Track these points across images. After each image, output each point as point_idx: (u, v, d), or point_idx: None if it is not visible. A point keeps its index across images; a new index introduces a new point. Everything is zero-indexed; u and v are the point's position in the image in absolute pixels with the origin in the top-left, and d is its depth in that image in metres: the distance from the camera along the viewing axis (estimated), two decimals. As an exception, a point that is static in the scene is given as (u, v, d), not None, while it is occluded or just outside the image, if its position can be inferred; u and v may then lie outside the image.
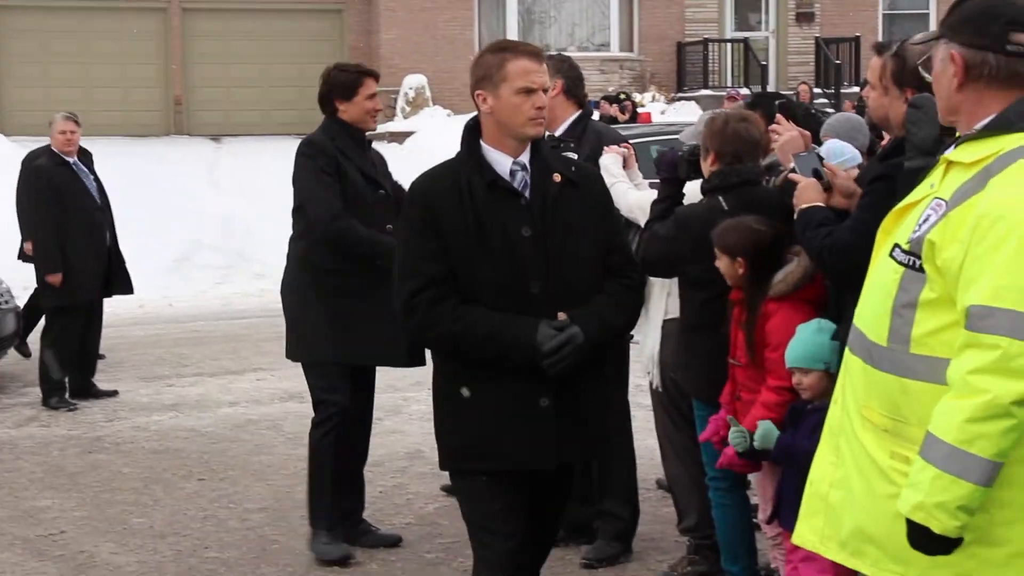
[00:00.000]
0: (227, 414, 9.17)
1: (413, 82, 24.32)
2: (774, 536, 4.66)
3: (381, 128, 23.59)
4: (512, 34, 23.65)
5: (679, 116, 20.48)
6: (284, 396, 9.54)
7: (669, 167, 5.12)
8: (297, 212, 5.96)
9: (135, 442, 8.39)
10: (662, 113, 22.99)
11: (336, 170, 5.76)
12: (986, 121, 2.88)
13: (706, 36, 26.07)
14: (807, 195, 4.21)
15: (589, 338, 3.81)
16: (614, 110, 20.32)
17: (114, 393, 9.72)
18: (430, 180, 3.97)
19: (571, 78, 5.89)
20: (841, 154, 4.67)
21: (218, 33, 24.72)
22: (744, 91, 21.63)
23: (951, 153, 2.93)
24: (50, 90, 23.17)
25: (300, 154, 5.91)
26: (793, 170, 4.37)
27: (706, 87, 25.25)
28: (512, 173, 3.93)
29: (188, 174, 19.55)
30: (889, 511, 2.86)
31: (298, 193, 5.92)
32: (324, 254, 5.77)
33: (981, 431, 2.69)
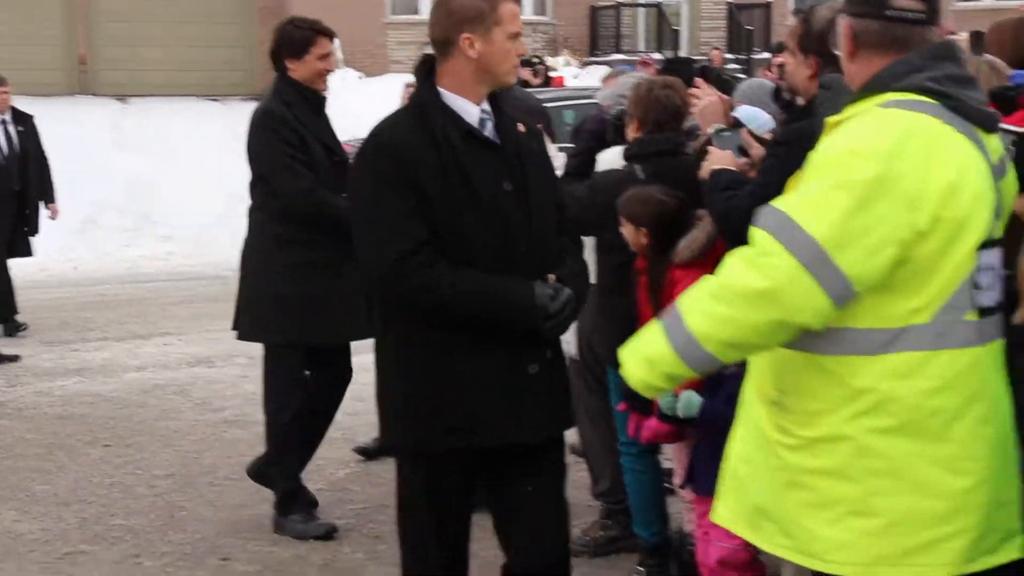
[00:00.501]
0: (133, 379, 9.08)
1: None
2: (688, 500, 4.66)
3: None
4: (425, 1, 23.50)
5: (592, 80, 20.44)
6: (192, 361, 9.49)
7: (596, 128, 5.11)
8: (257, 184, 5.70)
9: (38, 408, 8.26)
10: (575, 77, 22.94)
11: (300, 141, 5.50)
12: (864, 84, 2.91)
13: (619, 0, 26.05)
14: (718, 158, 4.20)
15: (580, 300, 3.67)
16: (527, 74, 20.22)
17: (16, 358, 9.58)
18: (397, 129, 3.62)
19: None
20: (754, 119, 4.65)
21: (124, -9, 24.26)
22: (657, 56, 21.65)
23: (834, 117, 2.96)
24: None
25: (260, 126, 5.61)
26: (708, 142, 4.35)
27: (619, 51, 25.23)
28: (481, 122, 3.64)
29: (93, 135, 19.17)
30: (777, 484, 2.88)
31: (261, 166, 5.64)
32: (295, 227, 5.52)
33: (701, 306, 2.79)
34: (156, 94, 22.45)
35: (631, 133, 4.94)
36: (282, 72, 5.63)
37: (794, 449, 2.83)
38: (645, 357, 2.90)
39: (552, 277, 3.61)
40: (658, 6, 26.20)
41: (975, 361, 2.76)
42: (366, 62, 22.63)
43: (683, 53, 23.79)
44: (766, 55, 21.58)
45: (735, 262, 2.76)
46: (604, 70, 22.40)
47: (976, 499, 2.77)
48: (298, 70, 5.60)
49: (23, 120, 10.34)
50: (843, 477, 2.78)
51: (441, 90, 3.61)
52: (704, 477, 3.81)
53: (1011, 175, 2.93)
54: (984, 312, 2.77)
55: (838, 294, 2.67)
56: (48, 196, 10.82)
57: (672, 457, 4.98)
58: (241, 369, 9.04)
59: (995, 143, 2.85)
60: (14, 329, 10.58)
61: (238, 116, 20.62)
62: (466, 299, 3.51)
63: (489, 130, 3.65)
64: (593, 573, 5.24)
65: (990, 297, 2.79)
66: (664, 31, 25.51)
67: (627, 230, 4.59)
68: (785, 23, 20.33)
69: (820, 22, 3.96)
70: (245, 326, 5.79)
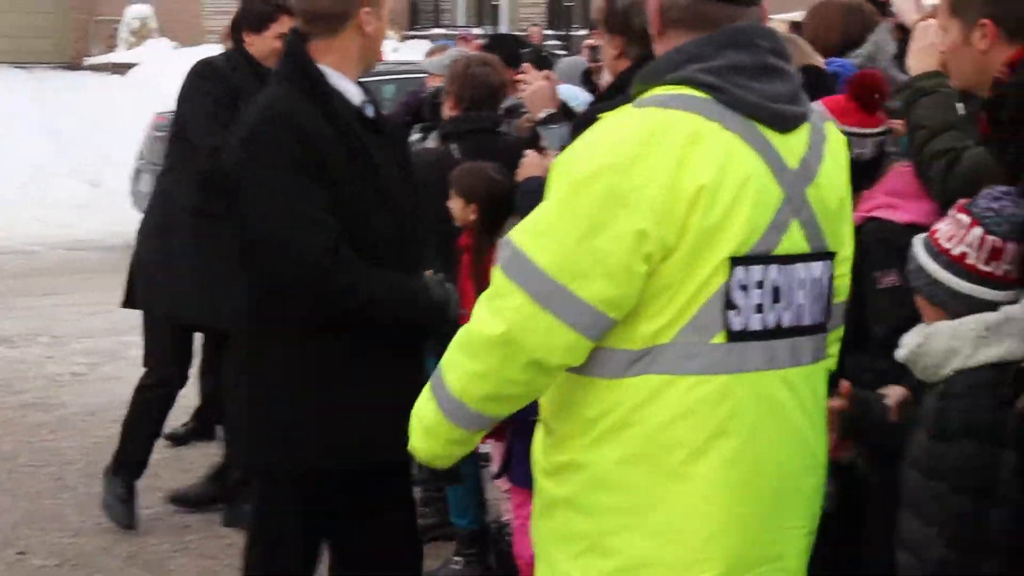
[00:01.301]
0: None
1: (137, 12, 23.47)
2: (505, 490, 4.62)
3: (102, 59, 22.72)
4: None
5: (412, 55, 20.39)
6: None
7: (411, 102, 5.06)
8: (175, 142, 5.46)
9: None
10: (394, 51, 22.84)
11: (232, 104, 5.07)
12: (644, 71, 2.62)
13: (439, -26, 26.07)
14: (528, 170, 4.15)
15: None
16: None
17: None
18: (293, 106, 3.26)
19: None
20: (574, 98, 4.65)
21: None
22: (476, 31, 21.69)
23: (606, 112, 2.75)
24: None
25: (195, 74, 5.36)
26: (534, 130, 4.33)
27: (438, 26, 25.23)
28: (364, 105, 3.39)
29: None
30: (536, 508, 2.68)
31: (182, 117, 5.37)
32: (198, 192, 5.19)
33: (454, 360, 2.52)
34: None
35: (447, 111, 4.89)
36: (238, 43, 5.42)
37: (548, 474, 2.60)
38: (424, 427, 2.64)
39: (430, 273, 3.45)
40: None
41: (723, 392, 2.41)
42: (181, 32, 22.14)
43: (503, 29, 23.93)
44: (585, 32, 21.81)
45: (478, 306, 2.48)
46: (424, 44, 22.40)
47: (721, 549, 2.46)
48: (255, 44, 5.35)
49: None
50: (579, 510, 2.53)
51: (324, 68, 3.31)
52: (520, 468, 3.75)
53: (835, 178, 2.59)
54: (739, 336, 2.41)
55: (586, 326, 2.39)
56: None
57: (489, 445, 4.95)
58: (44, 349, 8.79)
59: (793, 142, 2.49)
60: None
61: (47, 85, 20.20)
62: (379, 301, 3.25)
63: (371, 113, 3.41)
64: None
65: (757, 320, 2.43)
66: (484, 6, 25.62)
67: (456, 204, 4.51)
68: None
69: (623, 2, 3.91)
70: (139, 293, 5.59)
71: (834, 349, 2.75)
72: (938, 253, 2.93)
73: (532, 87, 4.55)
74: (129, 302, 5.71)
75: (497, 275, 2.45)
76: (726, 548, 2.45)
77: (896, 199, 3.62)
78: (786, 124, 2.48)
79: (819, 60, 4.47)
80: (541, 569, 2.65)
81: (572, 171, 2.42)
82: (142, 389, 5.70)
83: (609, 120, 2.46)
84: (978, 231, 2.90)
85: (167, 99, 8.65)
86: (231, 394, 3.47)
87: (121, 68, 21.27)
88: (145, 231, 5.60)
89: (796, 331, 2.50)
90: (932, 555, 2.83)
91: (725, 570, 2.46)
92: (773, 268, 2.44)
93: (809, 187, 2.49)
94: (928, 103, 3.53)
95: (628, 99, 2.57)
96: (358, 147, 3.23)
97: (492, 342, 2.41)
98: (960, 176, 3.34)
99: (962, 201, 2.97)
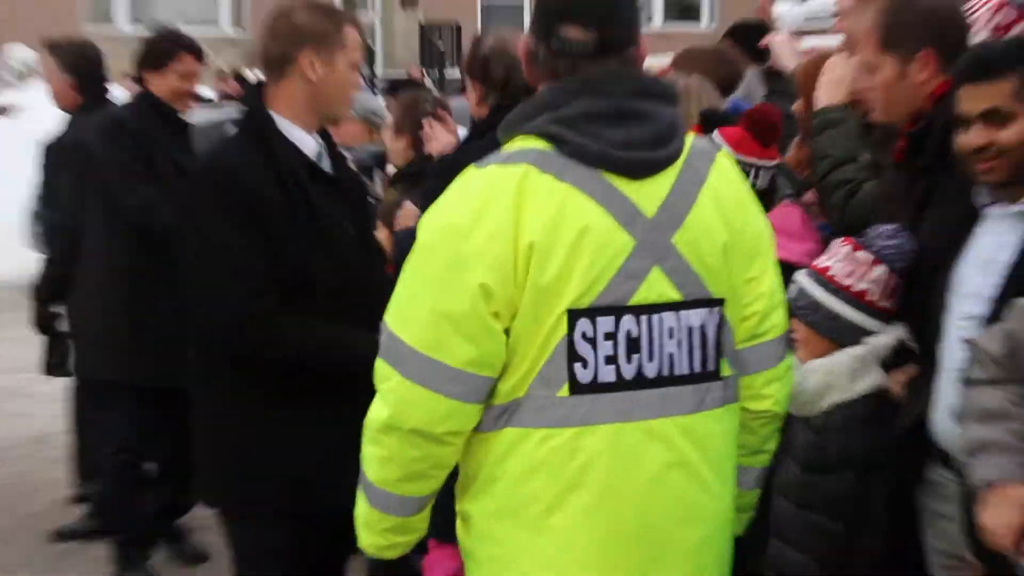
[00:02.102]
0: None
1: (18, 52, 23.32)
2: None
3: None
4: (121, 9, 23.41)
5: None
6: None
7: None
8: (93, 199, 5.14)
9: None
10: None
11: (148, 157, 5.01)
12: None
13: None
14: (403, 221, 4.26)
15: None
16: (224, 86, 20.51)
17: None
18: (238, 158, 3.19)
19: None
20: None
21: None
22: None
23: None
24: None
25: (104, 133, 5.08)
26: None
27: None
28: (318, 155, 3.31)
29: None
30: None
31: (100, 178, 5.08)
32: (128, 249, 5.05)
33: (365, 452, 2.51)
34: None
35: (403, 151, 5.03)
36: (139, 82, 5.25)
37: (460, 521, 2.60)
38: (362, 522, 2.62)
39: None
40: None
41: (573, 445, 2.36)
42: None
43: (379, 69, 24.32)
44: (458, 74, 22.35)
45: (376, 398, 2.47)
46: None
47: None
48: (155, 83, 5.18)
49: None
50: (471, 558, 2.55)
51: (274, 116, 3.24)
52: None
53: (712, 221, 2.45)
54: (588, 388, 2.35)
55: (461, 392, 2.37)
56: None
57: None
58: None
59: (651, 189, 2.38)
60: None
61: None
62: (311, 353, 3.17)
63: (326, 164, 3.34)
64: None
65: (610, 371, 2.36)
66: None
67: (383, 235, 4.46)
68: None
69: (485, 48, 3.92)
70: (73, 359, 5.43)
71: (771, 389, 2.64)
72: (836, 290, 2.99)
73: (441, 140, 4.59)
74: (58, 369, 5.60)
75: (377, 361, 2.43)
76: None
77: (782, 237, 3.45)
78: (639, 171, 2.38)
79: (722, 103, 4.28)
80: None
81: (420, 236, 2.42)
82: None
83: (456, 181, 2.43)
84: (882, 269, 2.98)
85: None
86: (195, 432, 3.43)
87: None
88: (81, 296, 5.32)
89: (666, 381, 2.40)
90: None
91: None
92: (627, 319, 2.35)
93: (676, 233, 2.38)
94: (834, 134, 3.55)
95: (490, 144, 2.62)
96: (300, 199, 3.15)
97: (384, 426, 2.41)
98: (857, 206, 3.38)
99: (850, 239, 3.05)
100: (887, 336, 2.98)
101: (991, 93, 2.70)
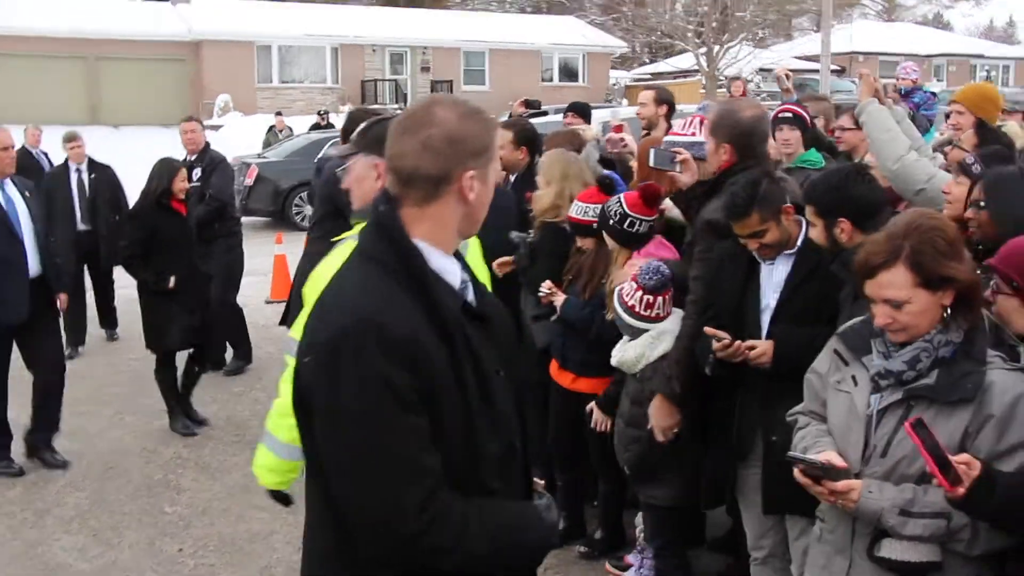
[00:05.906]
0: None
1: (221, 97, 26.53)
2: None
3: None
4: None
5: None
6: None
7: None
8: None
9: None
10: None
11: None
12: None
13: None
14: None
15: None
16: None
17: None
18: (397, 312, 2.41)
19: None
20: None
21: None
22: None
23: None
24: None
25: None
26: None
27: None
28: (463, 286, 2.68)
29: None
30: None
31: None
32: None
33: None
34: None
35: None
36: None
37: None
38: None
39: (541, 483, 2.90)
40: (395, 81, 32.89)
41: None
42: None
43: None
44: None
45: None
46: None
47: None
48: None
49: None
50: None
51: (417, 242, 2.56)
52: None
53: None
54: None
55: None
56: None
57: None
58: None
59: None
60: None
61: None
62: (480, 556, 2.48)
63: (471, 296, 2.69)
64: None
65: None
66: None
67: None
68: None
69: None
70: None
71: None
72: (623, 305, 5.00)
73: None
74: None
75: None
76: None
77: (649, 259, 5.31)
78: None
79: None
80: None
81: None
82: None
83: None
84: (641, 292, 4.95)
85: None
86: None
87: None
88: None
89: None
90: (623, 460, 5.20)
91: None
92: None
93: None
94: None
95: None
96: (466, 352, 2.50)
97: None
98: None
99: (634, 276, 5.02)
100: (669, 324, 4.98)
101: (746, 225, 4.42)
